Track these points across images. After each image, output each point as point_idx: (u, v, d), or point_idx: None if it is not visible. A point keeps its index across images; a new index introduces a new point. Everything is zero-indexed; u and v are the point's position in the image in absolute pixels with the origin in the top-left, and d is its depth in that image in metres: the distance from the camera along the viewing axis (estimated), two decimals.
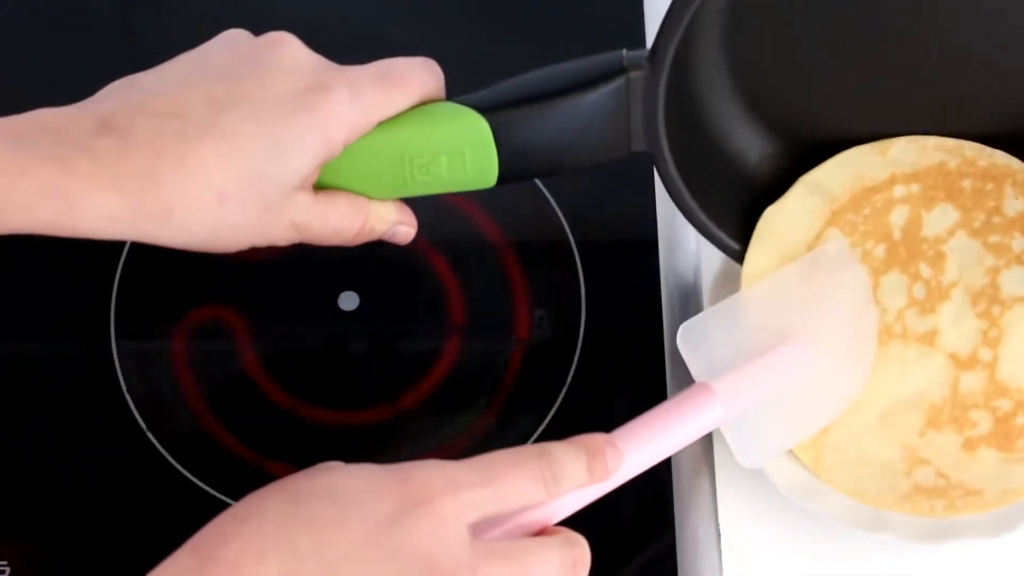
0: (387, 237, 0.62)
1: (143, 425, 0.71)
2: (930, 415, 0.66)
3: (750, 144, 0.69)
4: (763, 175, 0.69)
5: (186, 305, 0.74)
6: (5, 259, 0.75)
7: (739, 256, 0.68)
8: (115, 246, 0.75)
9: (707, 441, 0.71)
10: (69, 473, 0.70)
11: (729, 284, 0.70)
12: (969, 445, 0.66)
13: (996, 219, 0.67)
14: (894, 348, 0.67)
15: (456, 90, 0.62)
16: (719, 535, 0.69)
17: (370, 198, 0.60)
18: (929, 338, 0.67)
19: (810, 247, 0.67)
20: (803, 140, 0.69)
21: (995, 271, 0.67)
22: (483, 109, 0.60)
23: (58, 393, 0.72)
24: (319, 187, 0.59)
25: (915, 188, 0.68)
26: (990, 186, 0.68)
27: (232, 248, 0.57)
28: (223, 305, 0.74)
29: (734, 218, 0.68)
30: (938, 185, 0.68)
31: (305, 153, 0.55)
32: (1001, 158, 0.68)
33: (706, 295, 0.73)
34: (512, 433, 0.71)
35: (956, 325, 0.67)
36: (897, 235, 0.67)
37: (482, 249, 0.76)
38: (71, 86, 0.79)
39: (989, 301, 0.67)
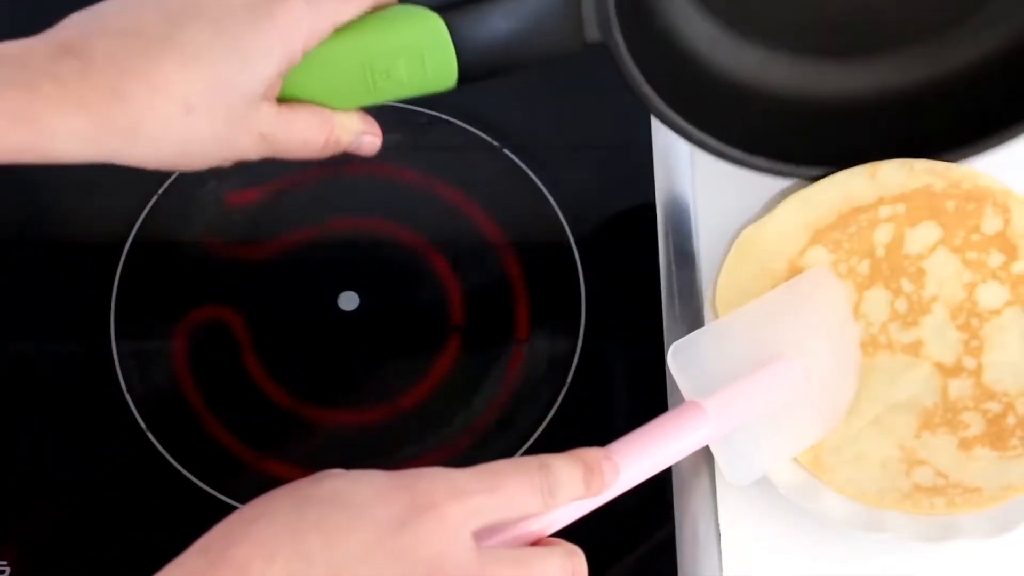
0: (353, 149, 0.62)
1: (143, 425, 0.71)
2: (923, 418, 0.67)
3: (704, 38, 0.69)
4: (722, 70, 0.70)
5: (186, 305, 0.74)
6: (5, 259, 0.75)
7: (704, 145, 0.68)
8: (115, 246, 0.75)
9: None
10: (69, 473, 0.70)
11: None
12: (964, 445, 0.67)
13: (975, 236, 0.69)
14: (881, 358, 0.68)
15: None
16: (719, 535, 0.69)
17: (334, 109, 0.61)
18: (914, 348, 0.68)
19: (792, 263, 0.68)
20: (747, 29, 0.70)
21: (972, 286, 0.69)
22: (437, 8, 0.60)
23: (58, 393, 0.72)
24: (283, 100, 0.59)
25: (900, 208, 0.69)
26: (972, 206, 0.69)
27: (201, 164, 0.57)
28: (223, 305, 0.74)
29: (697, 110, 0.68)
30: (923, 205, 0.69)
31: (266, 60, 0.56)
32: (984, 179, 0.69)
33: (706, 296, 0.73)
34: (512, 433, 0.71)
35: (939, 336, 0.68)
36: (880, 252, 0.69)
37: (482, 249, 0.76)
38: None
39: (968, 314, 0.69)
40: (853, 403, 0.67)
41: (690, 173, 0.78)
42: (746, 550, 0.68)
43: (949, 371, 0.68)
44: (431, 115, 0.79)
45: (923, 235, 0.69)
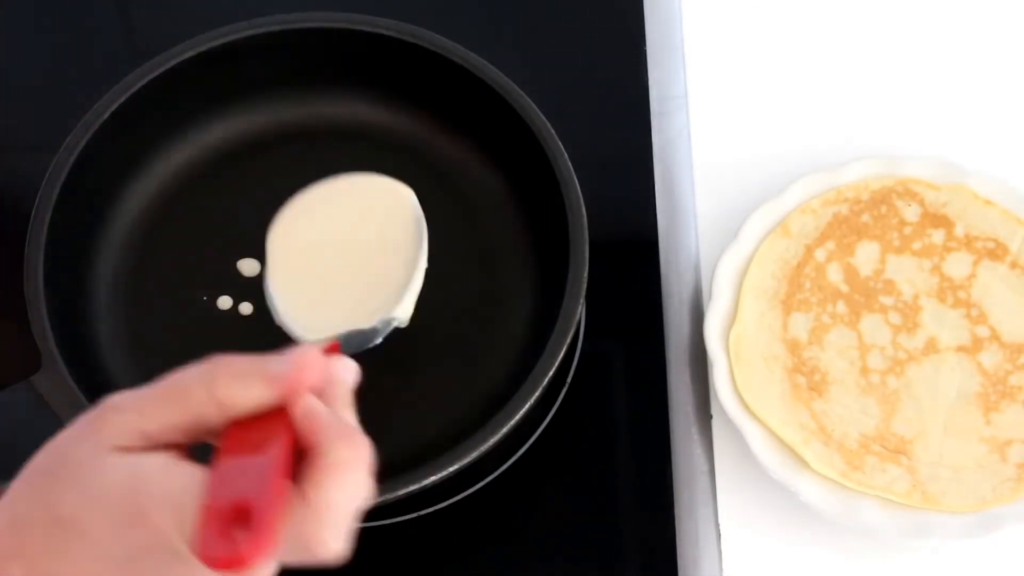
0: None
1: None
2: (982, 404, 0.68)
3: None
4: None
5: None
6: None
7: None
8: None
9: (707, 441, 0.71)
10: None
11: (729, 284, 0.71)
12: None
13: (907, 230, 0.72)
14: (912, 372, 0.69)
15: None
16: (719, 535, 0.69)
17: None
18: (932, 346, 0.70)
19: (785, 341, 0.70)
20: None
21: (937, 268, 0.71)
22: None
23: None
24: None
25: (831, 245, 0.72)
26: (884, 208, 0.72)
27: None
28: None
29: None
30: (846, 232, 0.72)
31: None
32: (874, 182, 0.73)
33: (706, 295, 0.73)
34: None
35: (943, 324, 0.70)
36: (844, 288, 0.71)
37: None
38: (71, 86, 0.80)
39: (951, 291, 0.70)
40: (918, 426, 0.68)
41: (690, 173, 0.78)
42: (746, 550, 0.68)
43: (972, 348, 0.69)
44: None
45: (866, 255, 0.72)
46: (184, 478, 0.45)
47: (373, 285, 0.67)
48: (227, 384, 0.47)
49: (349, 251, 0.68)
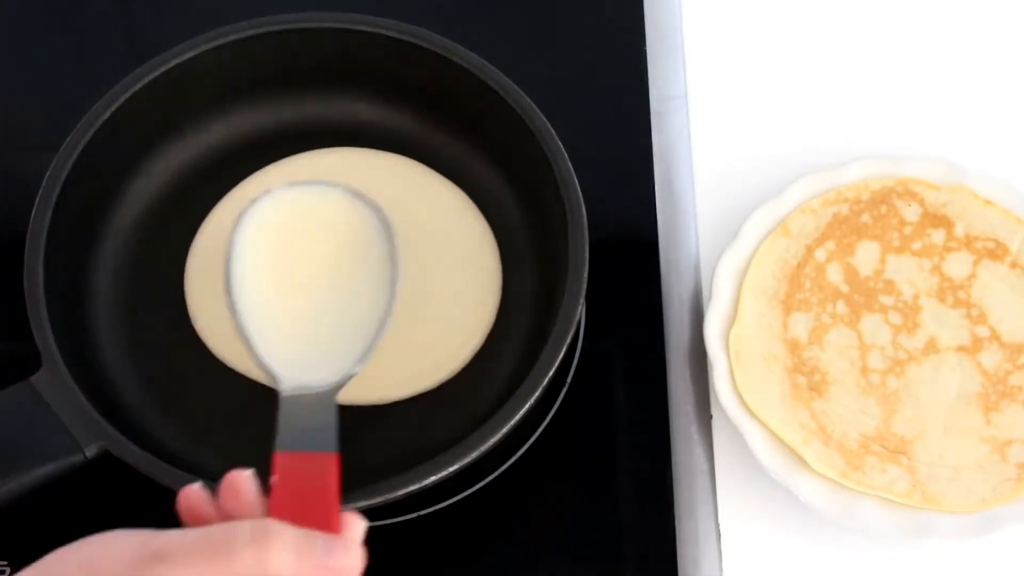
0: None
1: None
2: (982, 403, 0.68)
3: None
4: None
5: None
6: None
7: None
8: None
9: (707, 441, 0.71)
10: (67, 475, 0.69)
11: (729, 284, 0.71)
12: None
13: (907, 230, 0.72)
14: (912, 371, 0.69)
15: None
16: (719, 535, 0.69)
17: None
18: (932, 346, 0.70)
19: (785, 341, 0.70)
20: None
21: (937, 268, 0.71)
22: None
23: None
24: None
25: (831, 245, 0.72)
26: (884, 208, 0.72)
27: None
28: None
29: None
30: (846, 232, 0.72)
31: None
32: (874, 183, 0.73)
33: (706, 295, 0.73)
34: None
35: (943, 324, 0.70)
36: (844, 288, 0.71)
37: None
38: (71, 86, 0.80)
39: (951, 291, 0.71)
40: (918, 426, 0.68)
41: (690, 173, 0.78)
42: (746, 550, 0.68)
43: (972, 348, 0.69)
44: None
45: (866, 255, 0.72)
46: None
47: (340, 328, 0.64)
48: (280, 557, 0.47)
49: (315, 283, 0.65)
